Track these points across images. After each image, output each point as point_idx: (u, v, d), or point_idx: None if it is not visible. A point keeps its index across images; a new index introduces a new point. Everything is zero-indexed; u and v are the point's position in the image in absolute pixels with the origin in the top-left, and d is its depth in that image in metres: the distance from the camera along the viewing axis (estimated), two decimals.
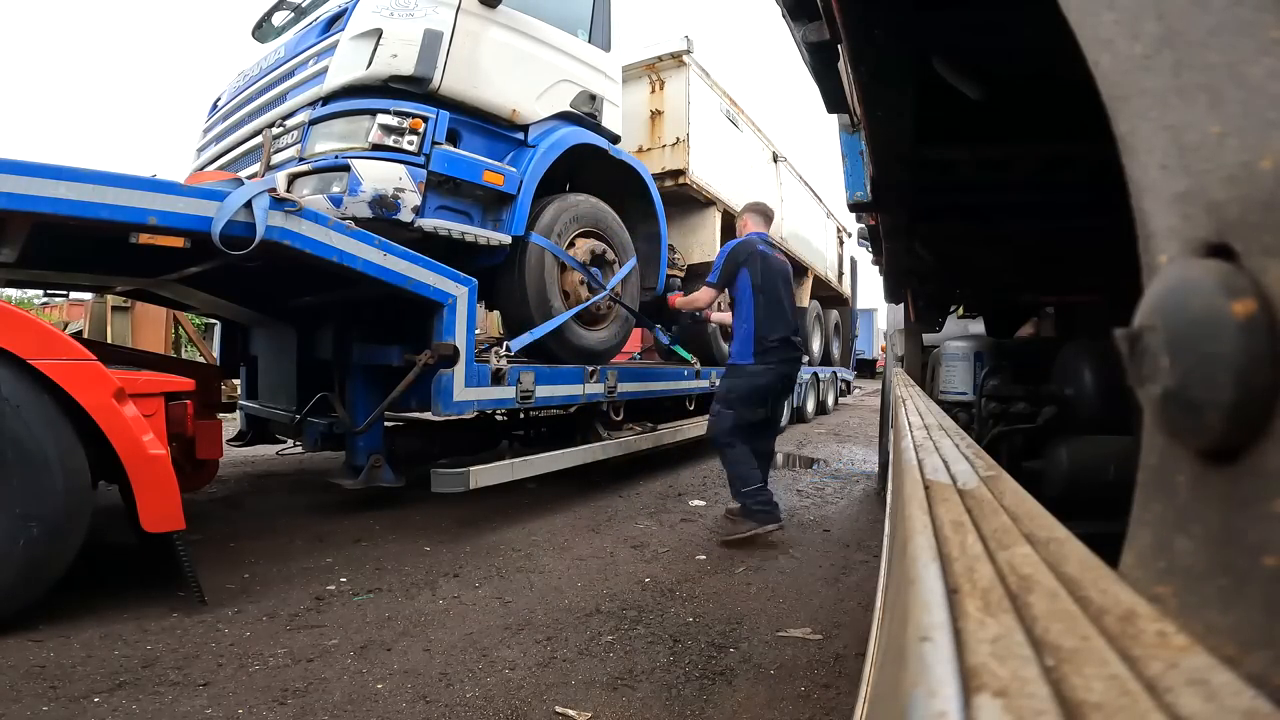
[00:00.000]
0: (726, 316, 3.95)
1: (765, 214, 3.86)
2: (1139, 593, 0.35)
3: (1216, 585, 0.31)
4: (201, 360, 7.38)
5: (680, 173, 5.42)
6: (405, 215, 3.18)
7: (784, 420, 7.82)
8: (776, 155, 7.77)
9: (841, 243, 11.22)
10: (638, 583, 2.68)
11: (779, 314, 3.47)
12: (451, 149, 3.42)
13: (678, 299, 4.11)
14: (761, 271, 3.45)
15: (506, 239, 3.67)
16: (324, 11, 3.69)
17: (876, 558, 2.84)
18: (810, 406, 9.05)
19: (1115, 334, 0.38)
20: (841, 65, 1.50)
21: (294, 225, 2.58)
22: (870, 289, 13.05)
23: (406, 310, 3.21)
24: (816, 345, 9.76)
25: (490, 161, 3.61)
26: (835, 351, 11.09)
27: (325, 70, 3.35)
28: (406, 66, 3.28)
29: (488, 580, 2.67)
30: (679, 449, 5.50)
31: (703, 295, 3.69)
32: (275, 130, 3.49)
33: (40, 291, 7.11)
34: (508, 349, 3.61)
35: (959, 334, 4.47)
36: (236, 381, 5.08)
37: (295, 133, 3.42)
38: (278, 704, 1.70)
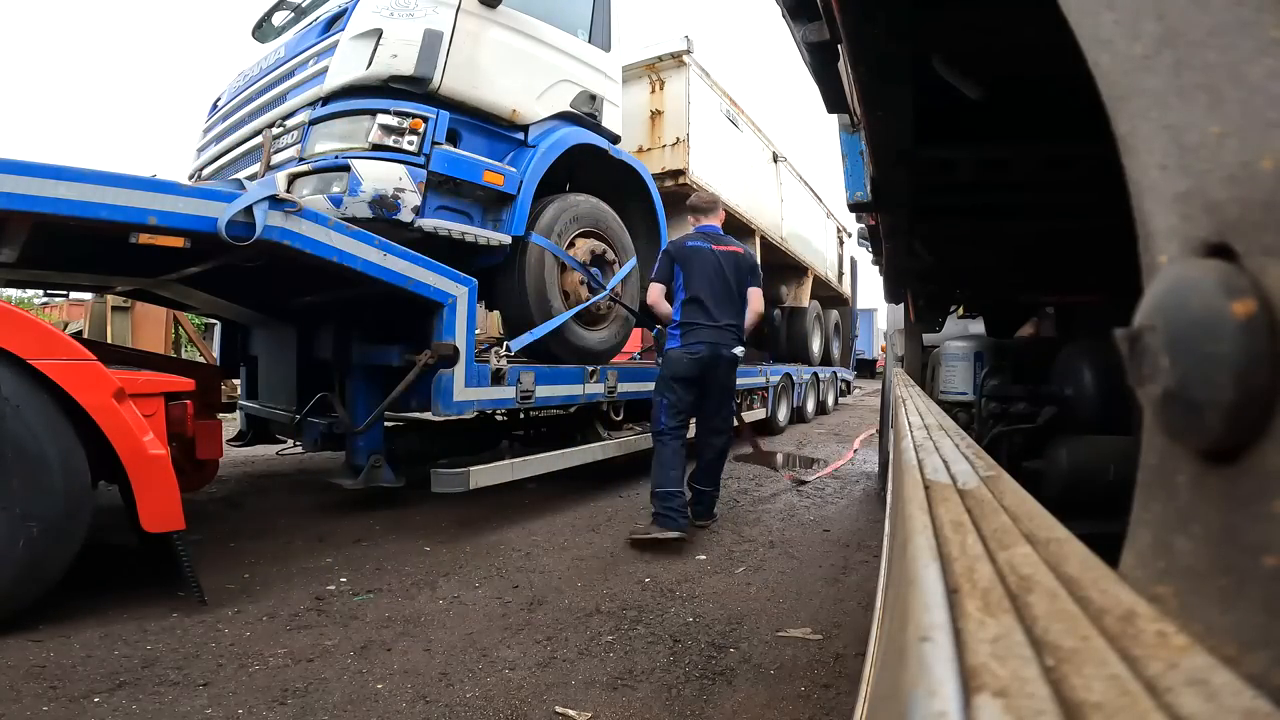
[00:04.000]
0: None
1: (712, 207, 3.71)
2: (1139, 593, 0.35)
3: (1216, 585, 0.31)
4: (201, 360, 7.37)
5: (680, 173, 5.42)
6: (405, 215, 3.18)
7: (784, 420, 7.84)
8: (776, 155, 7.77)
9: (841, 243, 11.22)
10: (638, 583, 2.68)
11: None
12: (451, 149, 3.42)
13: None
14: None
15: (506, 239, 3.67)
16: (324, 11, 3.69)
17: (876, 558, 2.84)
18: (810, 406, 9.04)
19: (1115, 334, 0.38)
20: (841, 65, 1.50)
21: (294, 225, 2.58)
22: (870, 289, 13.06)
23: (406, 310, 3.21)
24: (816, 345, 9.77)
25: (490, 161, 3.61)
26: (835, 351, 11.10)
27: (325, 70, 3.35)
28: (406, 66, 3.28)
29: (488, 580, 2.67)
30: None
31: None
32: (275, 130, 3.49)
33: (40, 291, 7.11)
34: (508, 349, 3.61)
35: (959, 334, 4.47)
36: (236, 381, 5.08)
37: (295, 133, 3.42)
38: (278, 704, 1.70)
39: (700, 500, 3.56)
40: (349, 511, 3.67)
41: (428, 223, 3.30)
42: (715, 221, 3.66)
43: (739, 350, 3.47)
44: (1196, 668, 0.27)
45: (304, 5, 4.14)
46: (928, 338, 4.62)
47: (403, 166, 3.20)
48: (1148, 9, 0.34)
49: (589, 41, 4.34)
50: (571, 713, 1.69)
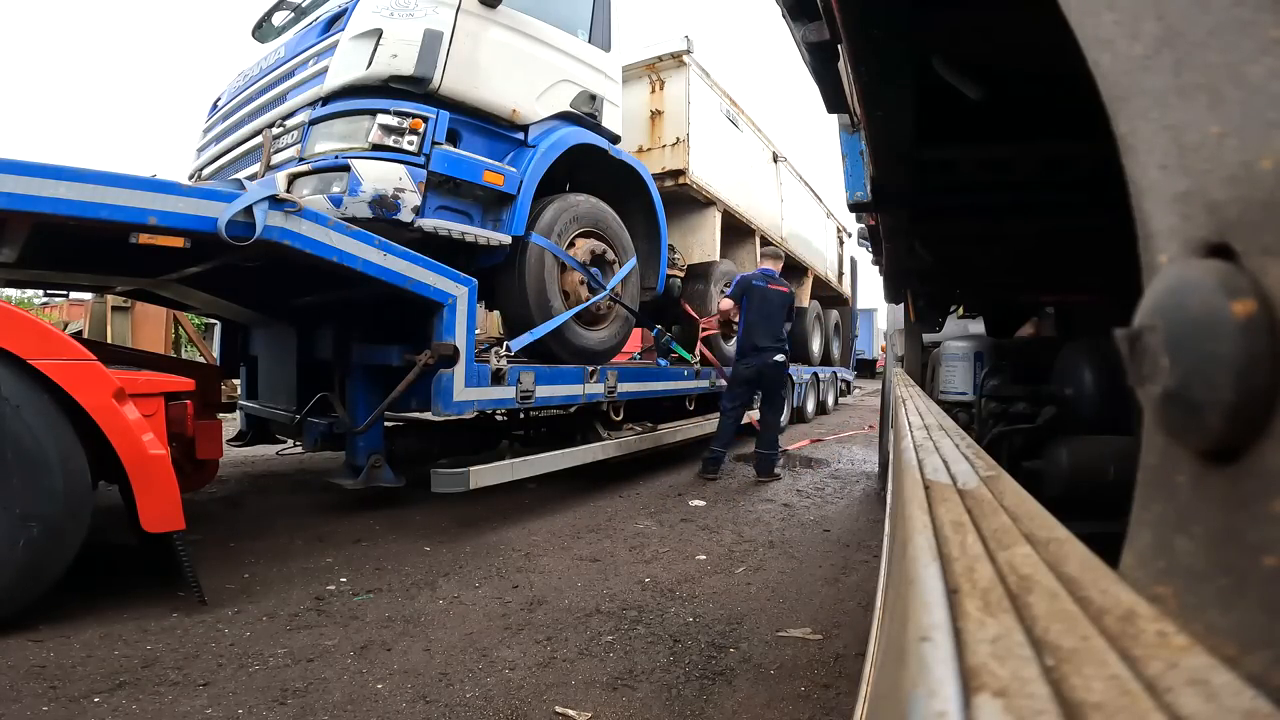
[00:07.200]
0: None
1: (778, 256, 5.30)
2: (1139, 593, 0.35)
3: (1216, 585, 0.31)
4: (201, 360, 7.37)
5: (680, 173, 5.43)
6: (405, 215, 3.18)
7: (784, 419, 7.84)
8: (776, 155, 7.77)
9: (841, 243, 11.22)
10: (638, 583, 2.68)
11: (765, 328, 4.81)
12: (451, 149, 3.42)
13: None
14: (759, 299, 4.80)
15: (506, 239, 3.67)
16: (324, 11, 3.69)
17: (876, 558, 2.84)
18: (810, 407, 9.04)
19: (1115, 334, 0.38)
20: (841, 65, 1.50)
21: (294, 225, 2.58)
22: (870, 289, 13.07)
23: (406, 310, 3.21)
24: (816, 345, 9.76)
25: (490, 161, 3.61)
26: (835, 351, 11.09)
27: (325, 70, 3.35)
28: (406, 66, 3.28)
29: (488, 580, 2.67)
30: (679, 449, 5.50)
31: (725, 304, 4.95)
32: (275, 130, 3.49)
33: (40, 291, 7.11)
34: (508, 349, 3.61)
35: (959, 334, 4.47)
36: (236, 381, 5.08)
37: (295, 133, 3.42)
38: (278, 704, 1.70)
39: (761, 460, 4.85)
40: (349, 511, 3.67)
41: (428, 223, 3.30)
42: (775, 267, 5.04)
43: (780, 357, 4.82)
44: (1196, 668, 0.27)
45: (304, 5, 4.14)
46: (928, 338, 4.62)
47: (403, 166, 3.20)
48: (1148, 9, 0.34)
49: (589, 41, 4.34)
50: (571, 713, 1.69)
